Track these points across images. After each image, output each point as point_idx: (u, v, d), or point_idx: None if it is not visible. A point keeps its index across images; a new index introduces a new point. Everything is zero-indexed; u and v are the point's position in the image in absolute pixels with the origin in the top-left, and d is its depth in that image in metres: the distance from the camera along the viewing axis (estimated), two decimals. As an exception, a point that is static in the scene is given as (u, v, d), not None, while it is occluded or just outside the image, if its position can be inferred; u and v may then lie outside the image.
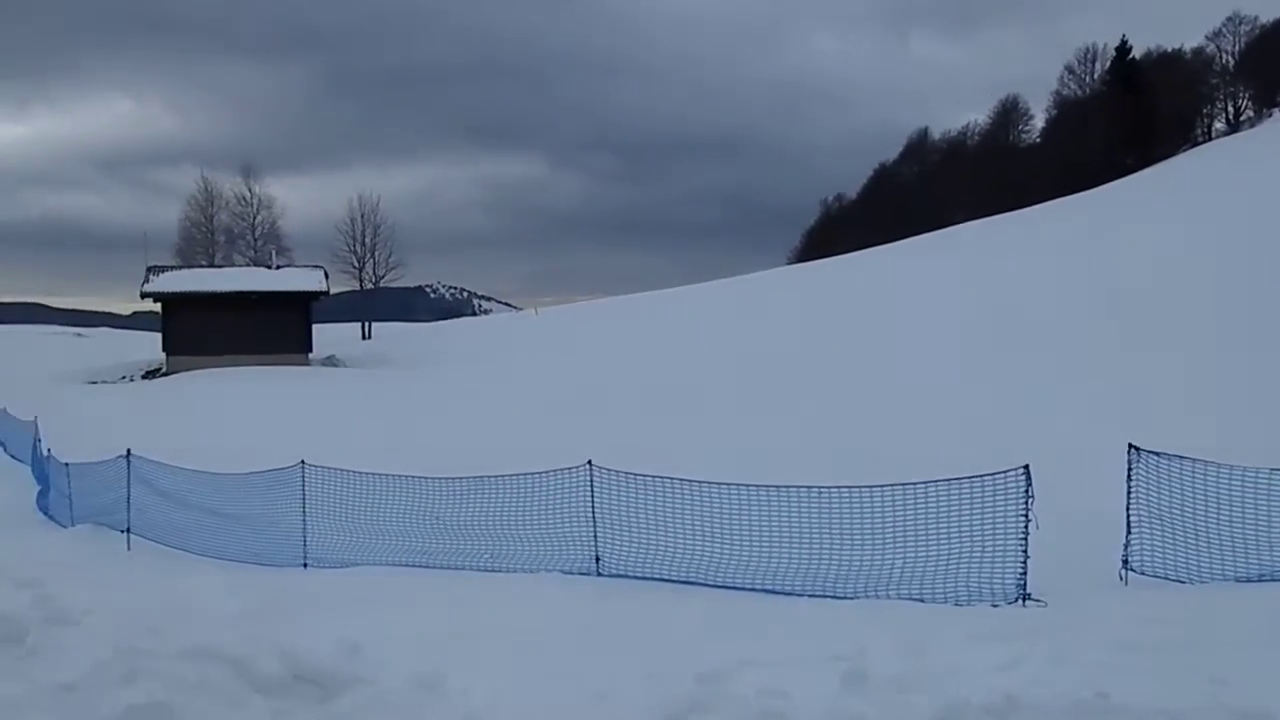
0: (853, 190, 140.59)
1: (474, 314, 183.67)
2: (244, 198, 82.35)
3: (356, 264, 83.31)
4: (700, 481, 11.29)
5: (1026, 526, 9.36)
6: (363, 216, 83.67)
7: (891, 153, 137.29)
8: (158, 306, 49.27)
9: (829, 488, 10.55)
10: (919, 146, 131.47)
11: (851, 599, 9.89)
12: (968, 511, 9.70)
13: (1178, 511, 9.70)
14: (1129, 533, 9.88)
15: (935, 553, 9.88)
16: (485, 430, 25.23)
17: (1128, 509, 9.86)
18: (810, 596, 10.13)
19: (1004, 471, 9.47)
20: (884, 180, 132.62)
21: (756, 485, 10.91)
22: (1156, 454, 9.85)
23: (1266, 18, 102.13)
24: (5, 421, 26.63)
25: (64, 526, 17.87)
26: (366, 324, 79.86)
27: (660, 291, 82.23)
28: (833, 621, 8.89)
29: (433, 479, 13.58)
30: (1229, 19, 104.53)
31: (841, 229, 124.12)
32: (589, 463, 12.08)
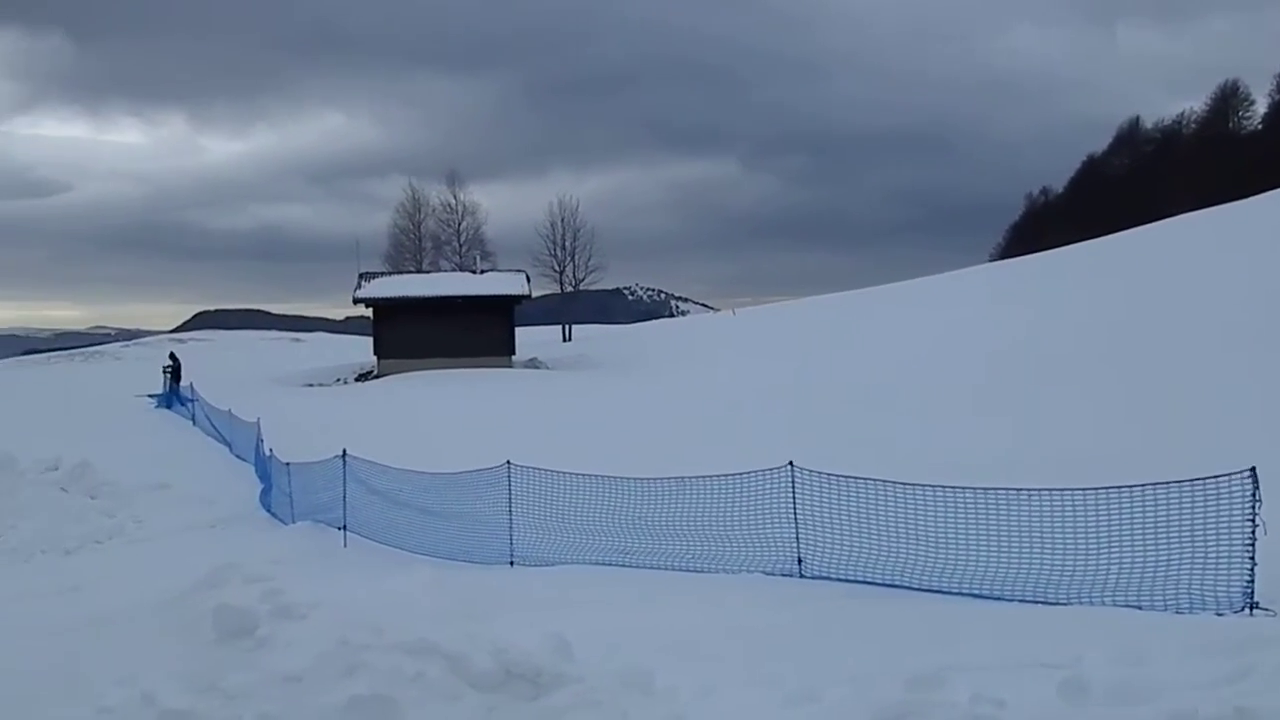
0: (1059, 183, 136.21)
1: (671, 315, 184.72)
2: (449, 205, 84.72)
3: (557, 267, 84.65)
4: (902, 483, 11.10)
5: (1254, 531, 8.90)
6: (562, 220, 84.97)
7: (1100, 144, 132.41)
8: (369, 312, 51.06)
9: (1039, 490, 10.24)
10: (1130, 136, 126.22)
11: (1064, 605, 9.57)
12: (1189, 515, 9.25)
13: None
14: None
15: (1154, 558, 9.46)
16: (685, 431, 25.35)
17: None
18: (1020, 602, 9.85)
19: (1228, 474, 9.03)
20: (1092, 172, 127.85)
21: (961, 487, 10.66)
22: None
23: None
24: (231, 423, 28.00)
25: (285, 523, 18.71)
26: (567, 326, 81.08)
27: (857, 291, 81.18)
28: (1045, 628, 8.64)
29: (634, 479, 13.72)
30: None
31: (1048, 223, 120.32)
32: (790, 464, 12.02)
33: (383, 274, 58.02)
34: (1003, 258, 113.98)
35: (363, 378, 48.65)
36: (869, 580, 11.03)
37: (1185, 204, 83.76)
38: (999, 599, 10.00)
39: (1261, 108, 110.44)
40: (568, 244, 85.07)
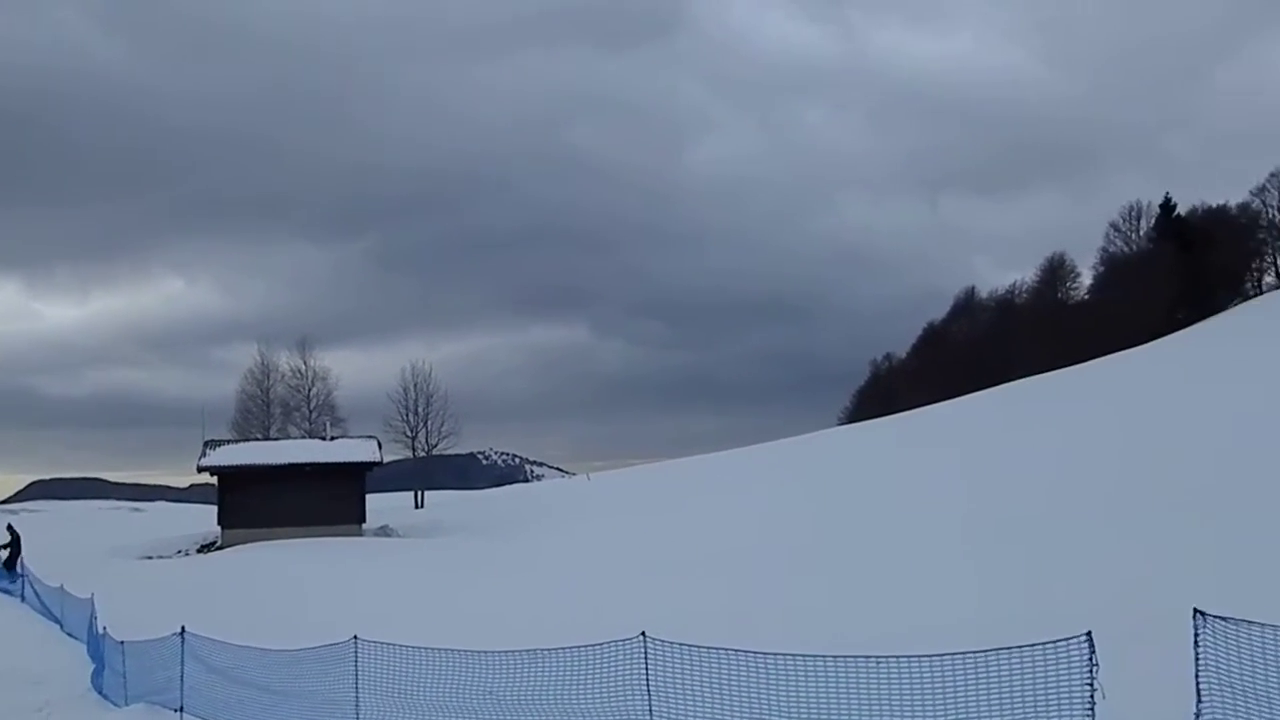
0: (903, 349, 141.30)
1: (526, 480, 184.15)
2: (299, 370, 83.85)
3: (410, 433, 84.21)
4: (758, 652, 11.04)
5: (1092, 695, 9.07)
6: (415, 386, 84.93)
7: (940, 311, 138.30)
8: (214, 479, 49.79)
9: (889, 658, 10.31)
10: (967, 305, 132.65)
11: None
12: (1028, 682, 9.38)
13: (1247, 679, 9.37)
14: (1199, 701, 9.55)
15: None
16: (539, 601, 25.03)
17: (1196, 677, 9.55)
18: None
19: (1065, 639, 9.23)
20: (934, 339, 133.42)
21: (821, 656, 10.65)
22: (1223, 619, 9.57)
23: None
24: (62, 599, 26.81)
25: (117, 706, 17.83)
26: (419, 493, 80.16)
27: (711, 454, 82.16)
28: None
29: (487, 653, 13.44)
30: (1273, 174, 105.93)
31: (894, 387, 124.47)
32: (643, 634, 11.91)
33: (229, 441, 56.82)
34: (850, 421, 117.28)
35: (205, 549, 47.17)
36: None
37: (1022, 369, 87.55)
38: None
39: (1087, 279, 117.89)
40: (420, 409, 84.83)
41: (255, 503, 46.85)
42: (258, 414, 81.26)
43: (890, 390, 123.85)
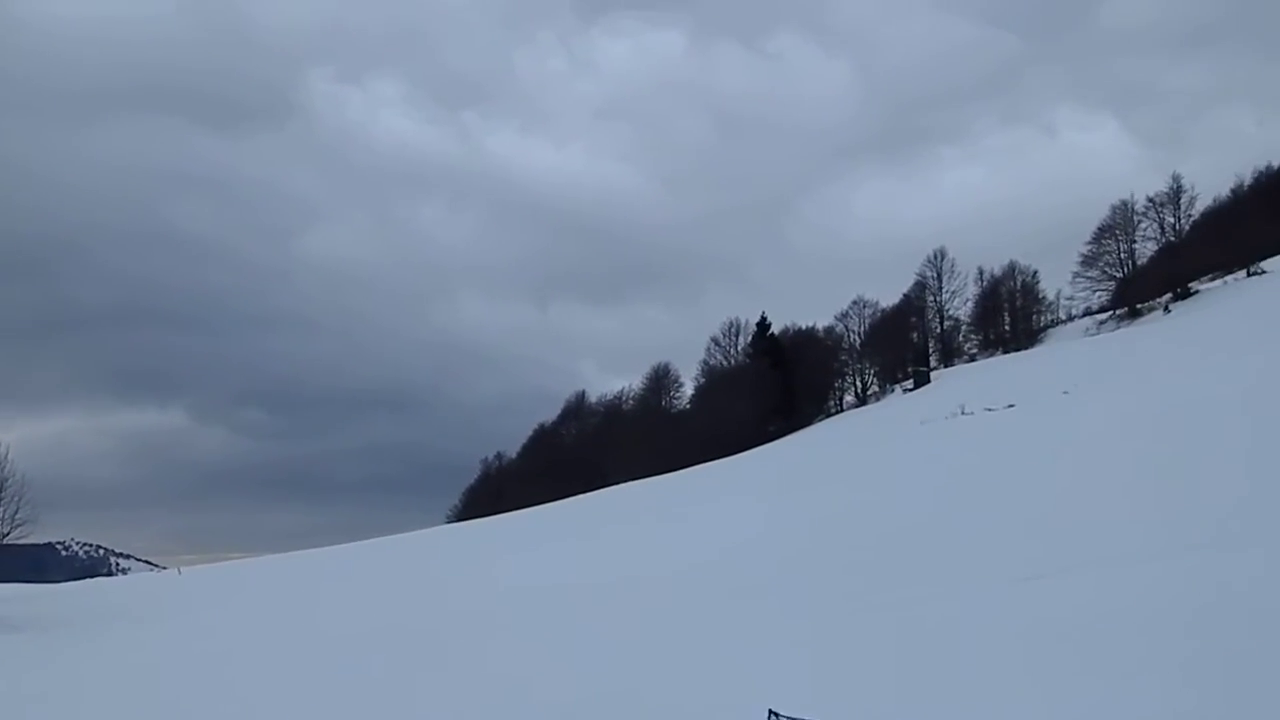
0: (514, 449, 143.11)
1: (111, 573, 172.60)
2: None
3: (-25, 521, 76.96)
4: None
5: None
6: (-14, 468, 77.80)
7: (552, 413, 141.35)
8: None
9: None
10: (577, 408, 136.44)
11: None
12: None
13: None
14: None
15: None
16: (113, 706, 23.36)
17: (770, 775, 10.03)
18: None
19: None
20: (544, 440, 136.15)
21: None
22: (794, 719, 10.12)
23: (886, 303, 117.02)
24: None
25: None
26: (-19, 585, 73.38)
27: (314, 550, 79.97)
28: None
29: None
30: (854, 302, 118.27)
31: (504, 486, 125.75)
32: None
33: None
34: (459, 519, 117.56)
35: None
36: None
37: (626, 473, 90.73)
38: None
39: (689, 389, 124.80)
40: (-9, 494, 77.76)
41: None
42: None
43: (500, 489, 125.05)
